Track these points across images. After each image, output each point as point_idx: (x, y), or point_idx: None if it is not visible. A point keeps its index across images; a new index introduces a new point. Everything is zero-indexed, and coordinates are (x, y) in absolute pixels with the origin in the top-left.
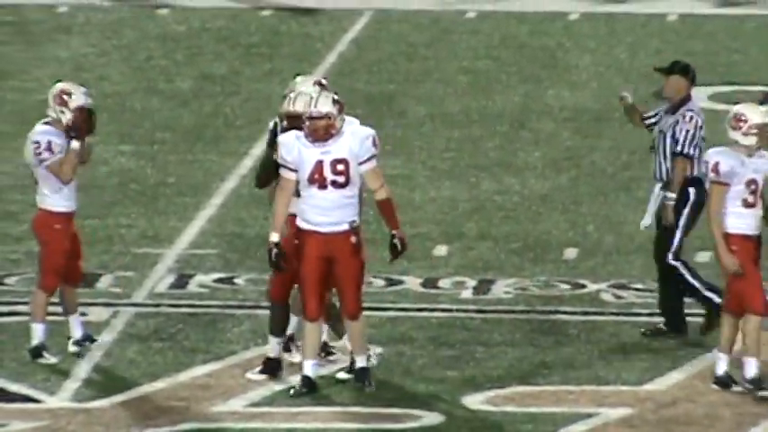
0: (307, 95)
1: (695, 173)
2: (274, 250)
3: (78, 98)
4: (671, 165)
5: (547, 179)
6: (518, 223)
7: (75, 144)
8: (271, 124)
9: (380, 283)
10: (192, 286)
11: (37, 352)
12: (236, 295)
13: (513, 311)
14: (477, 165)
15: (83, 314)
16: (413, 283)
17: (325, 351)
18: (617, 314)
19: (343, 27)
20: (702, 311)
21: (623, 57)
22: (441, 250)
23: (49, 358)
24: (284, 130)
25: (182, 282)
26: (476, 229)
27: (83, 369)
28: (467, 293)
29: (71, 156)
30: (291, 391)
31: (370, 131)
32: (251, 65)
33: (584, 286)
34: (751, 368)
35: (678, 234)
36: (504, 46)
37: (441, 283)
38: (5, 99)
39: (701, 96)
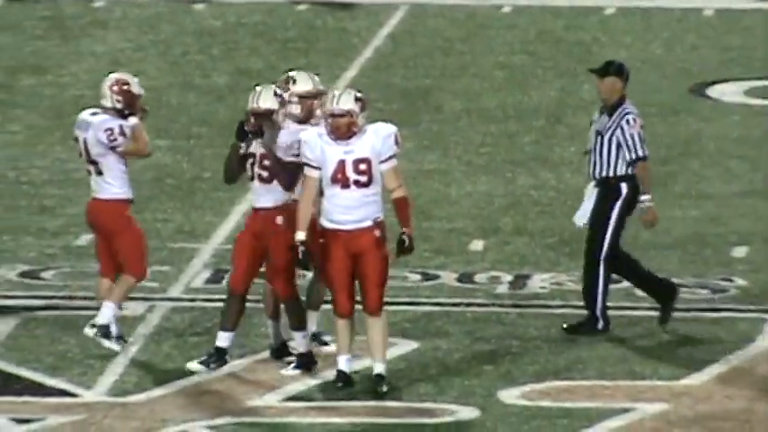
0: (271, 89)
1: (629, 171)
2: (301, 248)
3: (134, 87)
4: (621, 170)
5: (583, 174)
6: (554, 218)
7: (133, 120)
8: None
9: (416, 277)
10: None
11: (106, 331)
12: None
13: (548, 306)
14: (513, 160)
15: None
16: (449, 277)
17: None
18: (652, 309)
19: (379, 22)
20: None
21: (659, 52)
22: (477, 245)
23: (113, 344)
24: (251, 126)
25: (218, 276)
26: (512, 224)
27: (119, 363)
28: (502, 288)
29: (138, 130)
30: (333, 385)
31: (392, 129)
32: (287, 60)
33: (619, 281)
34: None
35: (610, 231)
36: (539, 41)
37: (477, 278)
38: (42, 94)
39: (737, 91)
